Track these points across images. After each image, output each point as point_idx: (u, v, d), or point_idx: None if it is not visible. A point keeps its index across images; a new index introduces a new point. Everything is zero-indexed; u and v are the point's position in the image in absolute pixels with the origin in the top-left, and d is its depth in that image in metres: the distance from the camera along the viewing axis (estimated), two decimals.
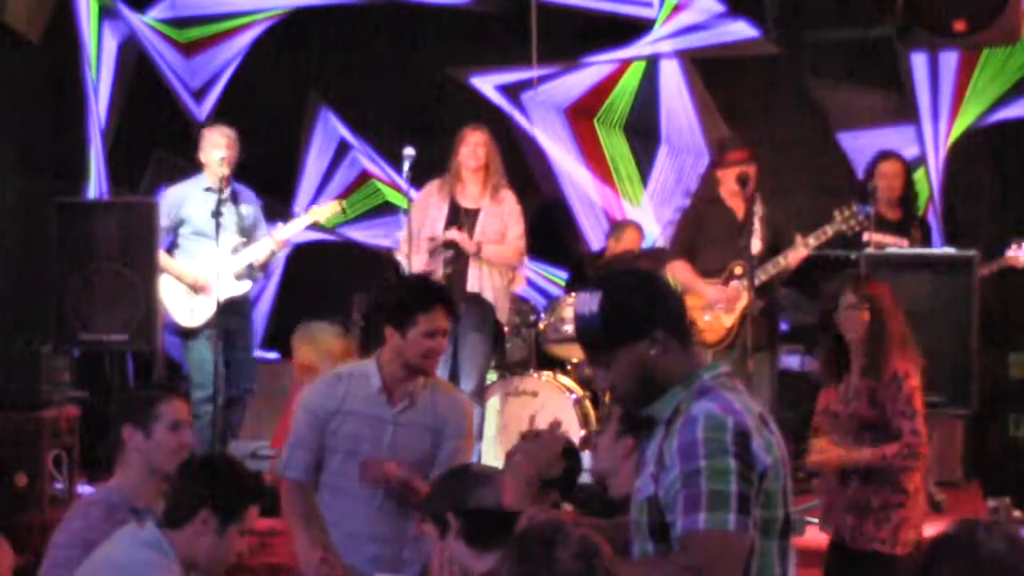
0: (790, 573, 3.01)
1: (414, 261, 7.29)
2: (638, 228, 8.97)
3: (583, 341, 3.08)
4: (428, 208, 7.47)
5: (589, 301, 3.01)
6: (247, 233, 7.69)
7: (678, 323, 3.05)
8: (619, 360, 3.00)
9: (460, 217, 7.45)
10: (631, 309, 3.00)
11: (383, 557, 4.67)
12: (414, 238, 7.33)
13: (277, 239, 7.68)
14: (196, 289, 7.55)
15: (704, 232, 7.49)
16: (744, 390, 3.06)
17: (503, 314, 7.59)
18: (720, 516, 2.82)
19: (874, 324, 5.28)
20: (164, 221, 7.53)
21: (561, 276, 9.52)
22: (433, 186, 7.53)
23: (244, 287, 7.70)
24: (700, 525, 2.83)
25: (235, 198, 7.67)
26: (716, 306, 7.34)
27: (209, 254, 7.48)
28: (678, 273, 7.58)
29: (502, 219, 7.48)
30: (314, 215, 7.87)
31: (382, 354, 4.72)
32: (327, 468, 4.72)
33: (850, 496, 5.27)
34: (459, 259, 7.40)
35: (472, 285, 7.42)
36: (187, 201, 7.66)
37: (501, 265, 7.51)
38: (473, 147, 7.46)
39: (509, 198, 7.54)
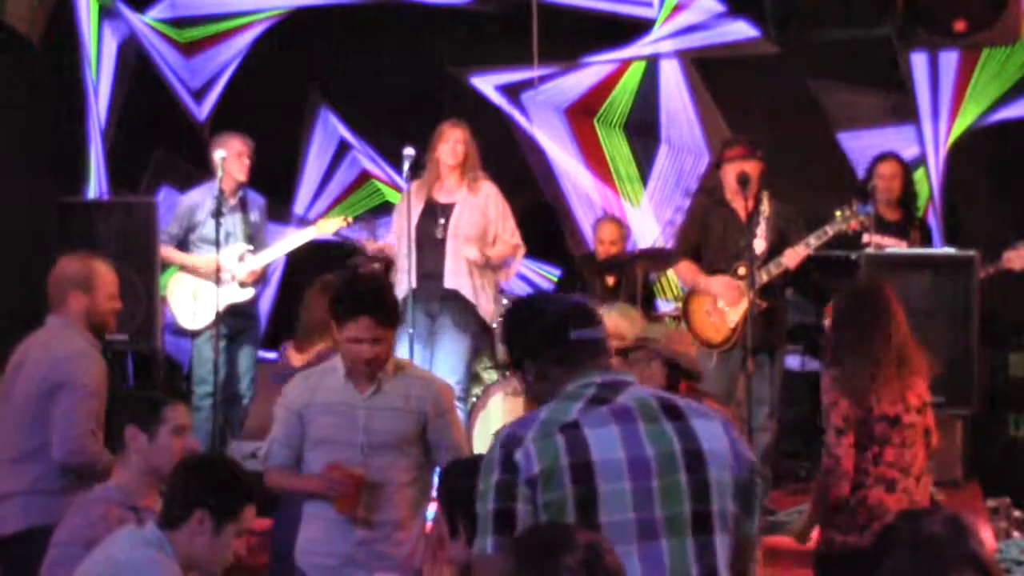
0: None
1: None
2: (614, 221, 8.82)
3: None
4: (406, 209, 7.30)
5: None
6: (254, 240, 7.86)
7: (545, 347, 3.11)
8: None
9: (435, 212, 7.41)
10: (509, 341, 3.24)
11: (373, 539, 4.69)
12: (398, 240, 7.45)
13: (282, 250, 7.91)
14: (212, 276, 7.53)
15: (708, 232, 7.47)
16: (612, 399, 3.03)
17: (487, 311, 7.47)
18: (480, 542, 2.92)
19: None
20: (175, 228, 7.78)
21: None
22: (412, 186, 7.34)
23: (248, 294, 7.85)
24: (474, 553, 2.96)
25: (244, 205, 7.84)
26: (723, 299, 7.31)
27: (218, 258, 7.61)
28: (684, 273, 7.56)
29: (480, 211, 7.41)
30: (320, 229, 8.06)
31: None
32: (308, 463, 4.75)
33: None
34: (438, 254, 7.37)
35: (448, 282, 7.36)
36: (200, 208, 7.81)
37: (502, 265, 7.49)
38: (452, 144, 7.42)
39: (489, 190, 7.47)
